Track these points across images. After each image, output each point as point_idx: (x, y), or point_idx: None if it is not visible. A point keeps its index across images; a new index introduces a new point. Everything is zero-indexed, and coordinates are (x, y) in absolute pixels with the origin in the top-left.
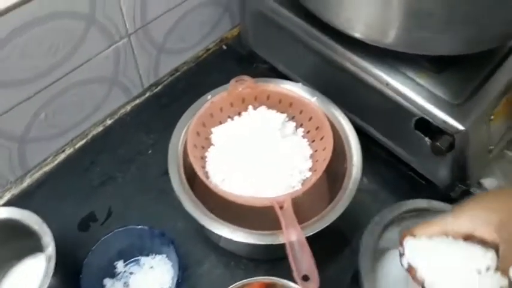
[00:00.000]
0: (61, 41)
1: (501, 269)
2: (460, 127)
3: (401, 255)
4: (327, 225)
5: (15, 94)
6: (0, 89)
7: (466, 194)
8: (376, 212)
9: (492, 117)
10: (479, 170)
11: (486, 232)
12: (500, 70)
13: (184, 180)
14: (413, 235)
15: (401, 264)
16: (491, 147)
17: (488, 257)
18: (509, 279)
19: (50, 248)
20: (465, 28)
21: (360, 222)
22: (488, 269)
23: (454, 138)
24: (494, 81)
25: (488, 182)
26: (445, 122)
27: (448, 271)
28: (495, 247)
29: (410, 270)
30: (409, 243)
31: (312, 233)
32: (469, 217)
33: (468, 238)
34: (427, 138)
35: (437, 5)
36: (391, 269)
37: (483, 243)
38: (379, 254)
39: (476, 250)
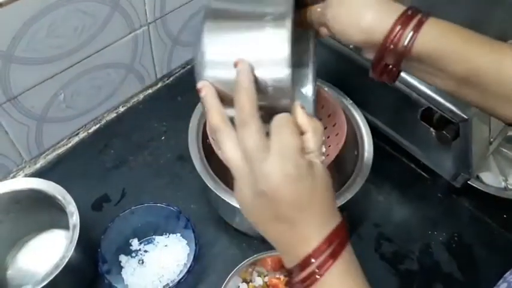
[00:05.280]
0: (86, 24)
1: None
2: (464, 116)
3: None
4: (343, 203)
5: (39, 72)
6: (25, 66)
7: (467, 185)
8: (380, 202)
9: None
10: (481, 160)
11: None
12: None
13: (204, 159)
14: None
15: None
16: (492, 139)
17: None
18: None
19: (75, 217)
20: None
21: (364, 211)
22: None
23: (459, 127)
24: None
25: (486, 176)
26: (450, 111)
27: None
28: None
29: None
30: None
31: None
32: None
33: None
34: (431, 129)
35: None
36: None
37: None
38: None
39: None
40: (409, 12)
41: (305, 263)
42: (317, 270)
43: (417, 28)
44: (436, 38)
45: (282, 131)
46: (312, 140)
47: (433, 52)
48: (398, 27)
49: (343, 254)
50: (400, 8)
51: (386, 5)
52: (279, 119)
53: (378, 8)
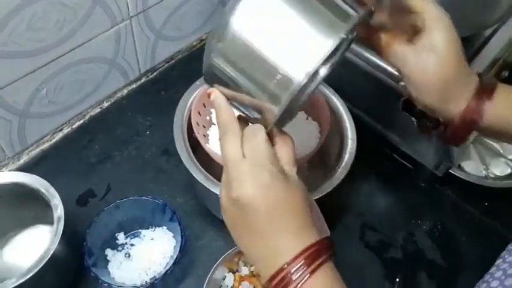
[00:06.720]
0: (67, 17)
1: None
2: None
3: None
4: (327, 192)
5: (20, 66)
6: (6, 60)
7: (449, 174)
8: (364, 192)
9: None
10: (462, 149)
11: None
12: (476, 59)
13: (190, 151)
14: None
15: None
16: None
17: None
18: None
19: (59, 210)
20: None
21: (348, 201)
22: None
23: None
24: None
25: (468, 165)
26: None
27: None
28: None
29: None
30: None
31: (319, 196)
32: None
33: None
34: (413, 118)
35: None
36: None
37: None
38: None
39: None
40: (481, 84)
41: (278, 276)
42: (292, 285)
43: (488, 98)
44: (505, 104)
45: (255, 139)
46: (282, 150)
47: (503, 117)
48: (474, 101)
49: (322, 270)
50: (474, 78)
51: (467, 70)
52: (252, 128)
53: (460, 78)
